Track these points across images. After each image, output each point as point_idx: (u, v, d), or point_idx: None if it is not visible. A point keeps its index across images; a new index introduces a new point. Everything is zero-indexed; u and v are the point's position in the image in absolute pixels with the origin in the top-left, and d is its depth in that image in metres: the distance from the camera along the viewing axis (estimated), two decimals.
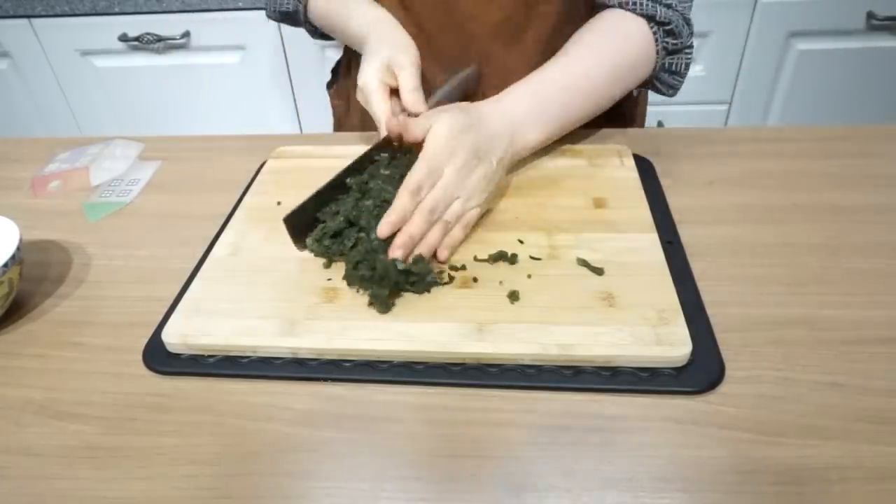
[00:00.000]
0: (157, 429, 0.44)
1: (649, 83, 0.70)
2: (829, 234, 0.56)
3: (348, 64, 0.86)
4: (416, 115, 0.60)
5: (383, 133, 0.60)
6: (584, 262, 0.52)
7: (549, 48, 0.65)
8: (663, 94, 0.71)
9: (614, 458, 0.40)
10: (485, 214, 0.57)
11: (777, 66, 1.36)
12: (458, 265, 0.53)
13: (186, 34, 1.36)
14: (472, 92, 0.70)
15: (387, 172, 0.57)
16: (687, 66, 0.69)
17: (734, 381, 0.44)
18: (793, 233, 0.56)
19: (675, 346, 0.45)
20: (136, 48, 1.39)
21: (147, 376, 0.48)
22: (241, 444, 0.42)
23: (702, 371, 0.44)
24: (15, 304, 0.54)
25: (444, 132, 0.54)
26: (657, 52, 0.66)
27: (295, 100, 1.45)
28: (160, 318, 0.51)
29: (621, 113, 0.77)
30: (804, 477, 0.38)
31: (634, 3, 0.64)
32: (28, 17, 1.36)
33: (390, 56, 0.64)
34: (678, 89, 0.71)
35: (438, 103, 0.61)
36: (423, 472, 0.40)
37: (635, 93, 0.80)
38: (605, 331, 0.46)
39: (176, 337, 0.48)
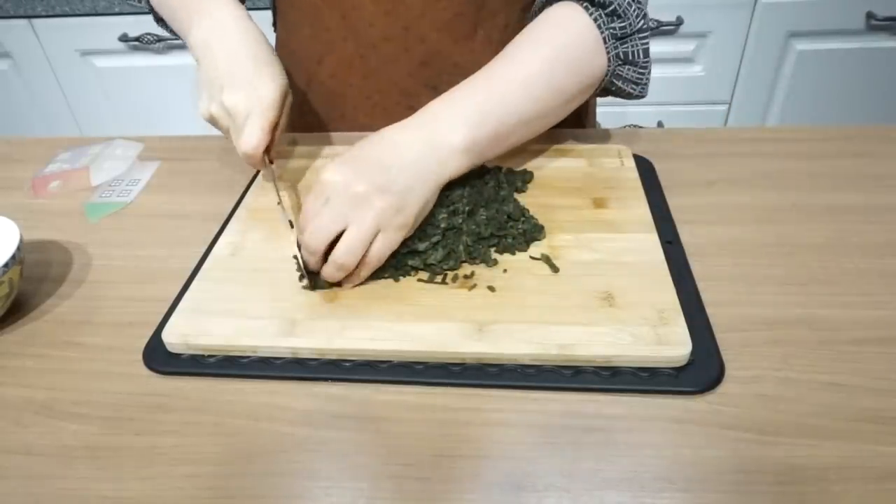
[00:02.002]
0: (157, 429, 0.44)
1: (610, 84, 0.63)
2: (829, 234, 0.56)
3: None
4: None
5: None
6: (545, 258, 0.53)
7: (504, 45, 0.62)
8: (631, 94, 0.63)
9: (614, 458, 0.40)
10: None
11: (777, 67, 1.36)
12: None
13: None
14: None
15: None
16: (646, 54, 0.61)
17: (734, 381, 0.44)
18: (792, 233, 0.56)
19: (675, 346, 0.45)
20: (136, 48, 1.39)
21: (147, 376, 0.48)
22: (240, 444, 0.42)
23: (702, 371, 0.44)
24: (15, 304, 0.54)
25: (333, 174, 0.50)
26: (605, 41, 0.59)
27: None
28: (160, 318, 0.51)
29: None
30: (804, 477, 0.38)
31: None
32: (28, 17, 1.36)
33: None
34: (644, 85, 0.63)
35: None
36: (423, 472, 0.40)
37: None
38: (605, 331, 0.46)
39: (176, 337, 0.48)
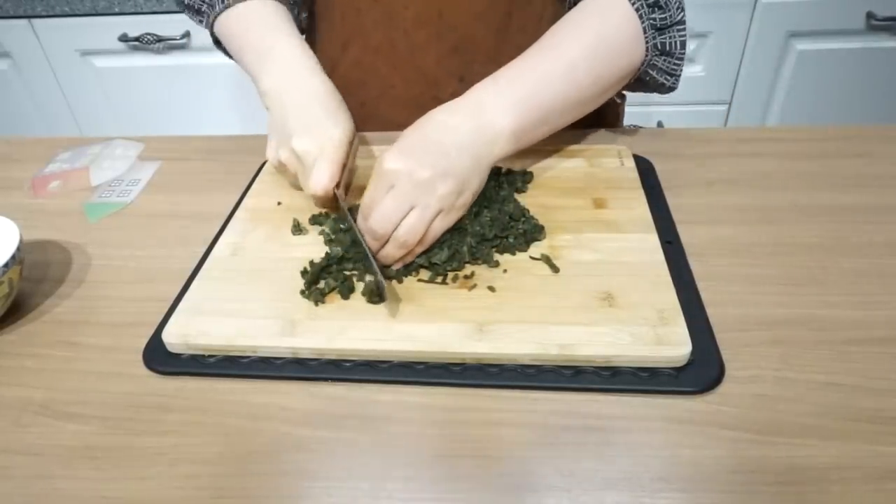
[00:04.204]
0: (157, 429, 0.44)
1: (645, 74, 0.64)
2: (829, 234, 0.56)
3: None
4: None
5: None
6: (545, 258, 0.53)
7: (537, 36, 0.62)
8: (663, 86, 0.65)
9: (614, 458, 0.40)
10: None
11: (777, 67, 1.36)
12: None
13: (186, 34, 1.36)
14: None
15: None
16: (682, 46, 0.62)
17: (734, 381, 0.44)
18: (792, 233, 0.56)
19: (675, 346, 0.45)
20: (136, 48, 1.39)
21: (147, 376, 0.48)
22: (241, 444, 0.42)
23: (701, 371, 0.44)
24: (15, 304, 0.54)
25: (395, 163, 0.50)
26: (645, 31, 0.60)
27: None
28: (160, 318, 0.51)
29: (601, 114, 0.72)
30: (804, 477, 0.38)
31: None
32: (28, 17, 1.36)
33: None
34: (677, 77, 0.65)
35: None
36: (423, 472, 0.40)
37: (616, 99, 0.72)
38: (605, 331, 0.46)
39: (176, 337, 0.48)
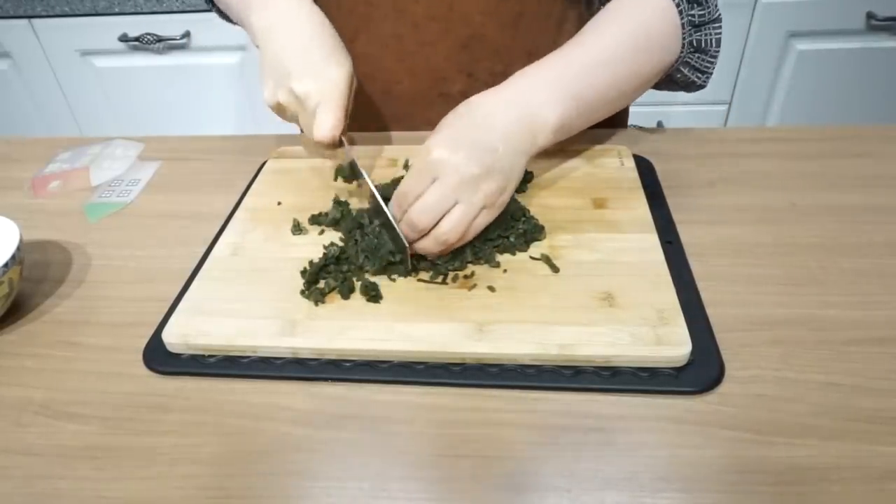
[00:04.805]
0: (157, 429, 0.44)
1: (676, 72, 0.64)
2: (829, 234, 0.56)
3: None
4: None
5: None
6: (545, 258, 0.53)
7: (546, 36, 0.61)
8: (693, 83, 0.65)
9: (614, 458, 0.40)
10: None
11: (777, 67, 1.36)
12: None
13: (186, 34, 1.36)
14: None
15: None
16: (717, 43, 0.62)
17: (734, 381, 0.44)
18: (792, 233, 0.56)
19: (675, 346, 0.45)
20: (136, 48, 1.39)
21: (147, 376, 0.48)
22: (240, 444, 0.42)
23: (701, 371, 0.44)
24: (15, 304, 0.54)
25: (444, 154, 0.49)
26: (682, 27, 0.60)
27: None
28: (160, 318, 0.51)
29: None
30: (804, 477, 0.38)
31: None
32: (28, 17, 1.36)
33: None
34: (709, 75, 0.64)
35: None
36: (423, 472, 0.40)
37: None
38: (605, 331, 0.46)
39: (176, 337, 0.48)
